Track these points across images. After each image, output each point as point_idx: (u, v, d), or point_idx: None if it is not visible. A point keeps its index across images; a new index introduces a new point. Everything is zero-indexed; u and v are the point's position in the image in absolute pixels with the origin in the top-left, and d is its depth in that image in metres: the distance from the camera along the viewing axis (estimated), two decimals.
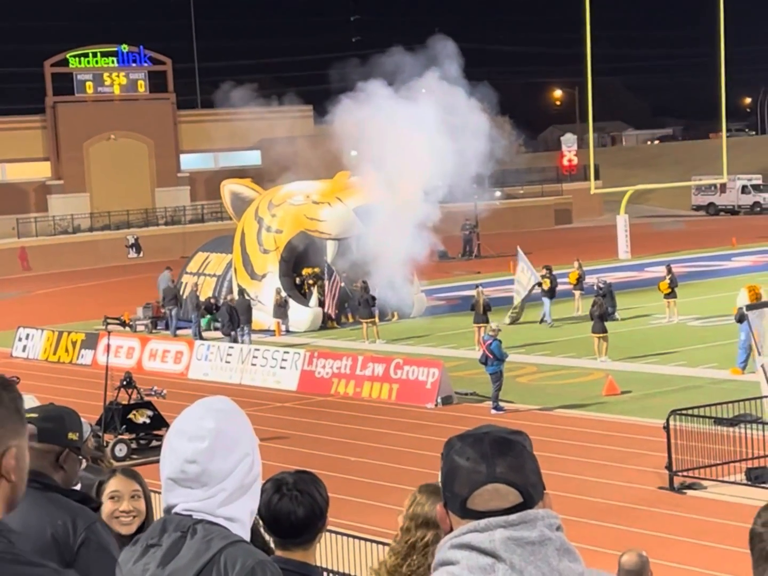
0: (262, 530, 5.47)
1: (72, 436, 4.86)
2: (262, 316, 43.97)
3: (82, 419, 5.49)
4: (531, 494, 2.97)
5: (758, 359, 27.16)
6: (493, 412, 28.71)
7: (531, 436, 3.16)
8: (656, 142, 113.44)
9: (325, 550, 13.80)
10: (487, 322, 35.55)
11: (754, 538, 2.75)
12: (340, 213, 45.99)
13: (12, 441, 2.98)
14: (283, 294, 43.98)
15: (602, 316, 35.83)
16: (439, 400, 30.65)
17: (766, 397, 25.74)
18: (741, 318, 30.07)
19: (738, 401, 25.54)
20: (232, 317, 39.89)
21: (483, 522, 2.93)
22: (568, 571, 2.92)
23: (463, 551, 2.94)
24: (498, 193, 71.82)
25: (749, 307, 29.30)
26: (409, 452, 24.49)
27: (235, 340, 39.07)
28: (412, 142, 44.22)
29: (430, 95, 46.98)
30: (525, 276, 43.81)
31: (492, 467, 2.93)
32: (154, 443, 25.13)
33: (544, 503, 3.00)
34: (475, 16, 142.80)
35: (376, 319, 41.50)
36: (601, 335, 35.15)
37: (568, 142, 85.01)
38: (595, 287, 39.65)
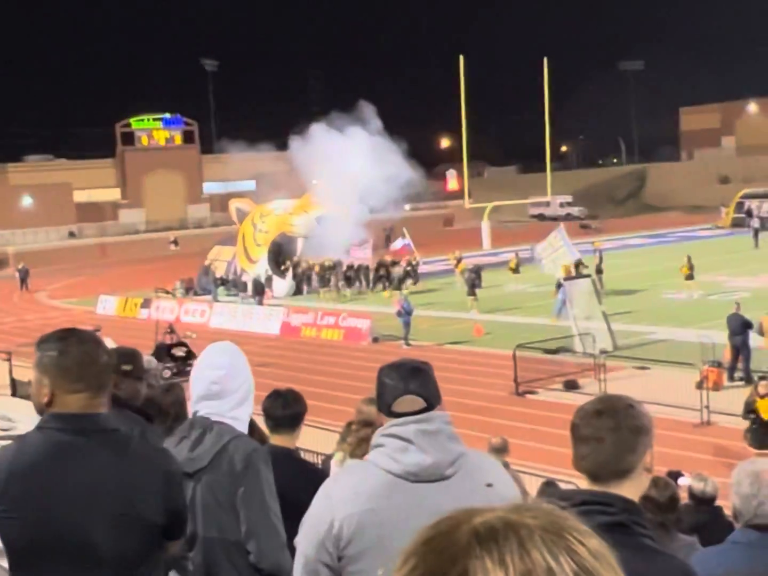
0: (261, 427, 5.56)
1: (125, 367, 4.64)
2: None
3: (144, 355, 5.33)
4: (432, 402, 3.07)
5: (570, 312, 27.54)
6: (405, 347, 28.76)
7: (430, 363, 3.34)
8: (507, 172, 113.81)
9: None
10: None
11: (573, 427, 2.72)
12: (306, 220, 46.08)
13: None
14: (269, 272, 43.96)
15: (473, 285, 36.04)
16: (370, 340, 30.80)
17: (574, 336, 26.07)
18: (559, 285, 30.51)
19: (557, 338, 25.83)
20: (256, 288, 40.40)
21: (401, 420, 3.02)
22: (455, 450, 3.01)
23: (388, 438, 3.02)
24: (407, 206, 71.54)
25: (565, 279, 29.70)
26: (351, 373, 24.51)
27: (260, 303, 39.10)
28: (350, 172, 44.33)
29: (361, 140, 46.97)
30: (556, 252, 34.12)
31: (407, 384, 3.06)
32: (187, 369, 25.06)
33: (441, 407, 3.14)
34: (385, 89, 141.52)
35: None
36: (472, 297, 35.30)
37: (450, 174, 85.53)
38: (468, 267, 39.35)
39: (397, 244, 47.31)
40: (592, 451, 2.64)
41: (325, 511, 2.99)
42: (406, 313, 29.56)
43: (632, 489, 2.65)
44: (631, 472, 2.64)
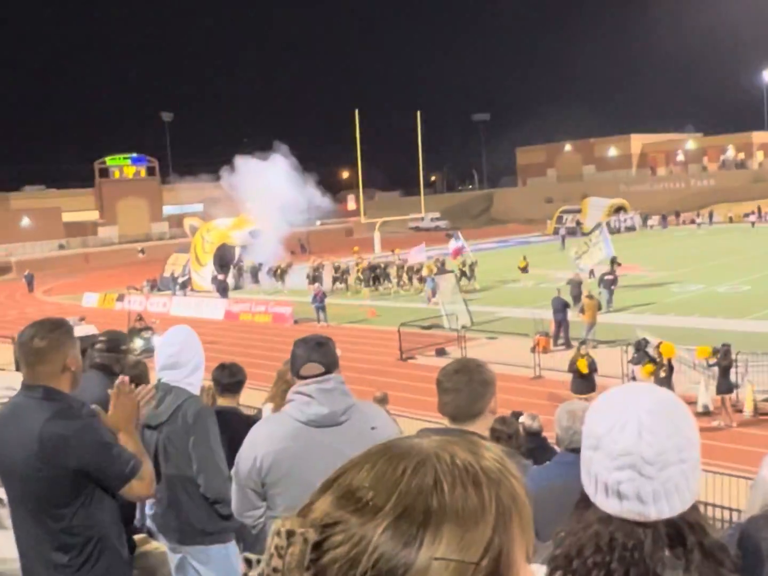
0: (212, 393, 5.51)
1: (123, 347, 4.34)
2: (206, 283, 43.17)
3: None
4: (330, 368, 3.05)
5: (440, 297, 27.76)
6: (319, 325, 28.49)
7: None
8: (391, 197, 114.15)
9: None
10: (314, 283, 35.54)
11: (438, 382, 2.76)
12: (242, 233, 45.54)
13: (70, 350, 2.91)
14: (215, 273, 43.22)
15: (375, 279, 36.11)
16: (292, 322, 30.53)
17: (442, 316, 26.29)
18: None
19: (431, 318, 26.04)
20: (221, 286, 38.67)
21: (306, 381, 3.01)
22: (346, 402, 3.01)
23: (296, 395, 3.01)
24: (318, 222, 71.26)
25: (435, 274, 29.87)
26: (277, 346, 24.29)
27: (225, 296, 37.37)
28: (274, 196, 43.91)
29: (279, 170, 46.54)
30: (593, 246, 29.69)
31: (310, 354, 3.06)
32: (152, 347, 24.53)
33: (338, 371, 3.14)
34: (301, 135, 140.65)
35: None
36: (370, 288, 35.37)
37: (350, 198, 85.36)
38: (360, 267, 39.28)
39: (451, 245, 38.14)
40: (452, 399, 2.68)
41: (250, 450, 3.02)
42: (319, 300, 29.41)
43: (482, 426, 2.70)
44: (481, 413, 2.68)
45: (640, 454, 1.30)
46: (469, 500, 0.74)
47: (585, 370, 16.01)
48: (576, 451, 3.43)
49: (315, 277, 37.51)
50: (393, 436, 2.89)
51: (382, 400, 10.41)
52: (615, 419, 1.34)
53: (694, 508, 1.37)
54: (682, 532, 1.33)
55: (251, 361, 20.44)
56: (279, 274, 40.60)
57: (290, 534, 0.74)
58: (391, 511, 0.73)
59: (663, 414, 1.34)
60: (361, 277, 37.30)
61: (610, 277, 27.78)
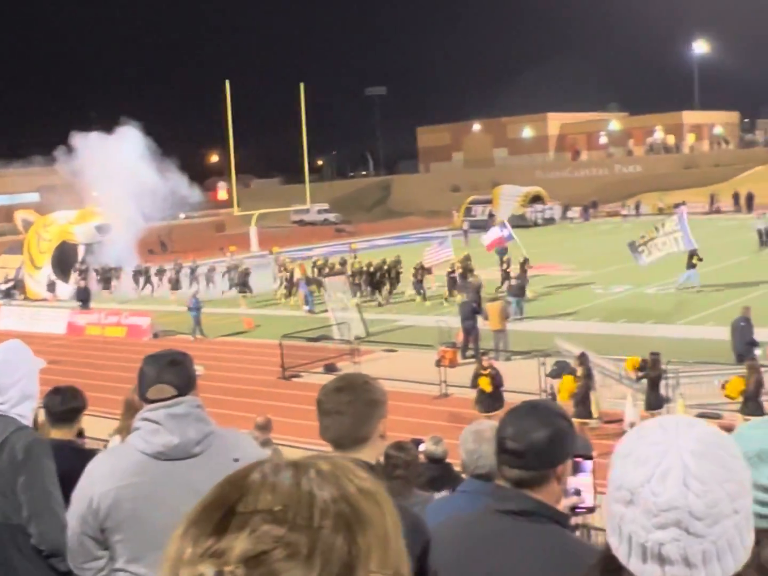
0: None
1: None
2: (42, 289, 41.98)
3: None
4: (183, 390, 3.03)
5: (329, 304, 27.83)
6: (192, 339, 28.05)
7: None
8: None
9: None
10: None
11: (318, 402, 2.75)
12: (86, 229, 44.52)
13: None
14: (53, 277, 42.11)
15: (243, 284, 35.87)
16: (151, 335, 29.99)
17: (332, 325, 26.37)
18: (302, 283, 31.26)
19: (318, 328, 26.07)
20: (80, 295, 36.50)
21: (154, 405, 2.99)
22: (202, 430, 2.99)
23: (142, 422, 2.99)
24: (182, 215, 70.34)
25: (324, 275, 29.96)
26: (133, 366, 23.79)
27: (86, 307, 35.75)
28: (126, 183, 43.16)
29: (133, 153, 45.76)
30: (666, 236, 28.69)
31: (160, 375, 3.05)
32: None
33: (196, 392, 3.11)
34: (158, 109, 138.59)
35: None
36: (243, 295, 35.17)
37: (221, 186, 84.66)
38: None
39: (492, 233, 34.21)
40: (333, 423, 2.69)
41: (87, 488, 2.99)
42: (195, 309, 29.10)
43: (370, 453, 2.72)
44: (368, 439, 2.70)
45: (688, 508, 1.25)
46: (372, 507, 0.87)
47: (488, 389, 16.38)
48: (483, 477, 3.53)
49: (177, 281, 37.13)
50: None
51: (264, 427, 10.33)
52: (654, 465, 1.29)
53: (749, 566, 1.34)
54: None
55: (100, 384, 19.99)
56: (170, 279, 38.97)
57: (219, 575, 0.80)
58: (319, 528, 0.81)
59: (709, 455, 1.29)
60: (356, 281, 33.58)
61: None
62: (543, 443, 2.27)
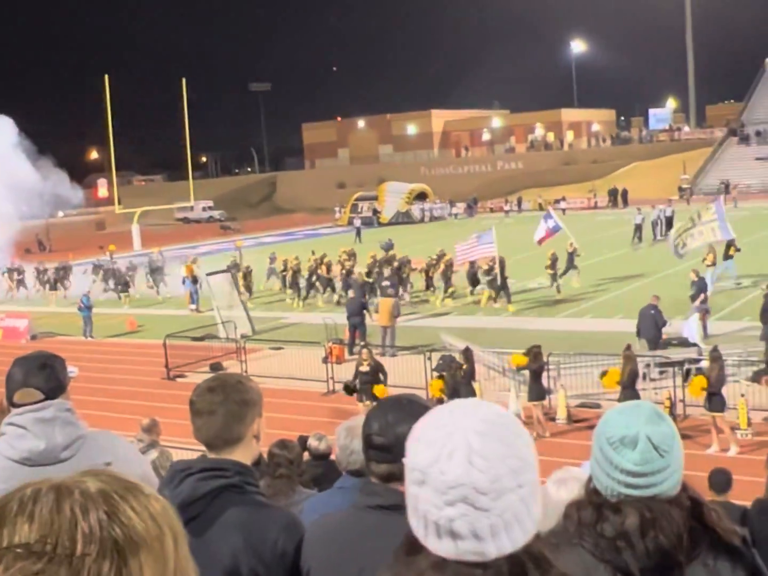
0: None
1: None
2: None
3: None
4: (51, 394, 2.96)
5: (214, 301, 27.46)
6: (86, 339, 27.52)
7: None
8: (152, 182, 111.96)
9: None
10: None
11: (190, 403, 2.73)
12: None
13: None
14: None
15: (126, 283, 35.08)
16: (29, 337, 29.03)
17: (218, 323, 26.01)
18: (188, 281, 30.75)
19: (203, 327, 25.71)
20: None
21: (21, 409, 2.92)
22: (70, 434, 2.91)
23: (9, 426, 2.91)
24: (60, 213, 68.52)
25: (207, 274, 29.36)
26: (5, 369, 23.03)
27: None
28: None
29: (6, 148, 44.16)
30: (702, 226, 26.69)
31: (27, 378, 2.99)
32: None
33: (66, 396, 3.03)
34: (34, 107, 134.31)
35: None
36: (125, 294, 34.42)
37: (101, 183, 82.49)
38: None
39: (542, 227, 30.69)
40: (205, 423, 2.66)
41: None
42: (86, 308, 28.38)
43: (244, 454, 2.70)
44: (241, 439, 2.68)
45: (473, 484, 1.29)
46: (148, 525, 0.81)
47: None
48: (356, 473, 3.54)
49: (56, 281, 36.12)
50: (135, 471, 2.81)
51: (150, 429, 10.18)
52: (440, 446, 1.33)
53: (538, 537, 1.38)
54: (526, 568, 1.34)
55: None
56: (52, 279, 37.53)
57: None
58: (82, 557, 0.77)
59: (492, 434, 1.34)
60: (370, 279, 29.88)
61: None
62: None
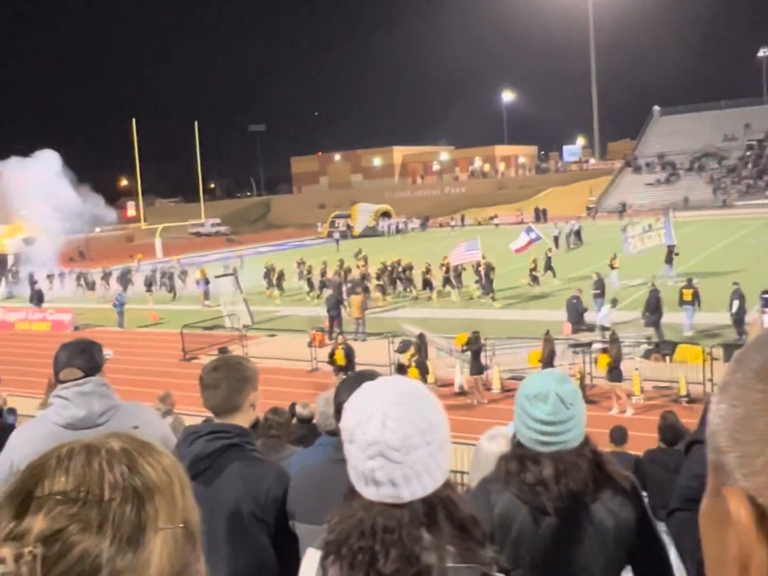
0: None
1: None
2: None
3: None
4: (90, 372, 2.93)
5: (221, 299, 27.19)
6: (119, 329, 27.07)
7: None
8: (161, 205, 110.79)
9: None
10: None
11: (200, 379, 2.74)
12: (15, 241, 42.35)
13: None
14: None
15: (150, 284, 34.68)
16: (73, 329, 28.52)
17: (224, 316, 25.85)
18: (201, 282, 30.05)
19: (213, 319, 25.52)
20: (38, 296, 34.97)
21: (65, 384, 2.89)
22: (106, 404, 2.90)
23: (55, 398, 2.91)
24: (97, 229, 67.66)
25: (216, 277, 29.14)
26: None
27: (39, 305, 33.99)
28: (50, 202, 41.00)
29: (54, 176, 43.43)
30: (649, 231, 26.69)
31: (70, 360, 2.95)
32: None
33: (102, 374, 3.01)
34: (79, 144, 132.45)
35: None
36: (149, 294, 34.01)
37: (130, 205, 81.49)
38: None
39: (522, 239, 29.75)
40: (211, 395, 2.66)
41: (7, 455, 2.87)
42: (120, 305, 28.05)
43: (243, 419, 2.69)
44: (240, 408, 2.67)
45: (386, 442, 1.31)
46: (161, 476, 0.80)
47: (342, 362, 16.46)
48: (332, 433, 3.54)
49: (92, 283, 35.73)
50: (157, 433, 2.79)
51: (164, 400, 10.14)
52: (363, 412, 1.35)
53: (447, 485, 1.39)
54: (436, 509, 1.35)
55: (30, 370, 19.00)
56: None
57: (18, 556, 0.73)
58: (109, 501, 0.76)
59: (406, 403, 1.35)
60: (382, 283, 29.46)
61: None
62: None
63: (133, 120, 56.17)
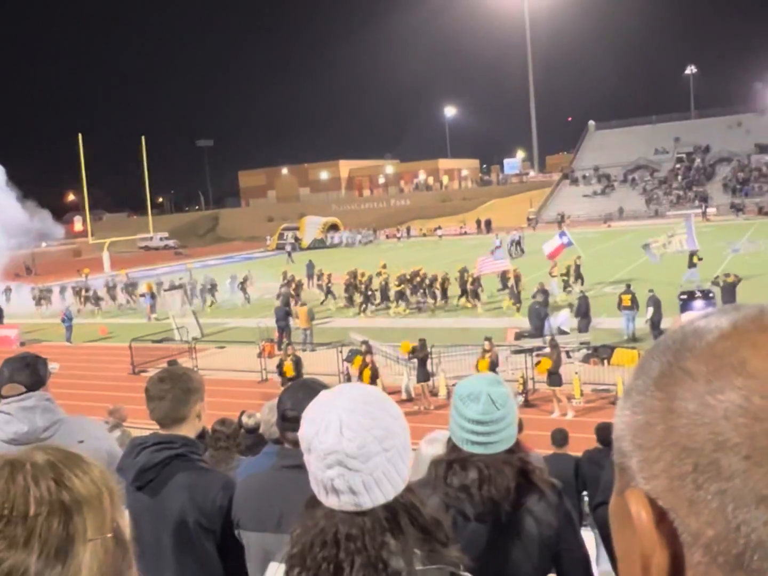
0: None
1: None
2: None
3: None
4: (34, 387, 2.88)
5: (170, 312, 26.80)
6: (67, 344, 26.27)
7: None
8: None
9: None
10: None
11: (145, 390, 2.69)
12: None
13: None
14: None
15: (98, 298, 33.93)
16: (18, 344, 27.75)
17: (173, 329, 25.44)
18: (148, 296, 29.55)
19: (162, 332, 25.09)
20: None
21: (8, 400, 2.84)
22: (50, 419, 2.84)
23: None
24: (44, 243, 66.07)
25: (165, 290, 28.69)
26: None
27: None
28: None
29: None
30: (672, 237, 25.19)
31: (12, 375, 2.89)
32: None
33: (46, 388, 2.95)
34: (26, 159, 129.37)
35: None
36: (96, 308, 33.22)
37: (77, 219, 79.75)
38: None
39: (554, 242, 28.13)
40: (157, 406, 2.63)
41: None
42: (68, 319, 27.35)
43: (189, 429, 2.67)
44: (185, 419, 2.65)
45: (344, 450, 1.29)
46: (88, 487, 0.79)
47: (291, 372, 16.28)
48: (276, 441, 3.53)
49: (41, 298, 34.75)
50: (103, 446, 2.73)
51: (114, 413, 9.93)
52: (319, 422, 1.32)
53: (409, 489, 1.36)
54: (398, 515, 1.33)
55: None
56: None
57: None
58: (35, 516, 0.75)
59: (362, 410, 1.32)
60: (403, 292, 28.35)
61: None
62: None
63: (80, 135, 55.20)
